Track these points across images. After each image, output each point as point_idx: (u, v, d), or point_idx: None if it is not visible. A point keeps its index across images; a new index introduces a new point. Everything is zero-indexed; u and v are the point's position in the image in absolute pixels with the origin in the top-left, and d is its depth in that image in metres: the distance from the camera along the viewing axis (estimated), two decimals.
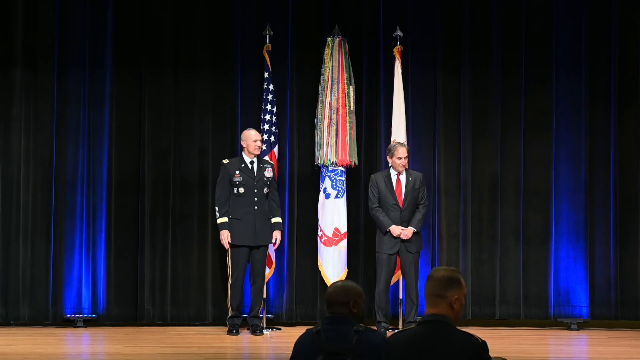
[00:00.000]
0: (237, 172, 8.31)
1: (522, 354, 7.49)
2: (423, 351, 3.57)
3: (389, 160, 8.33)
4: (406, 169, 8.39)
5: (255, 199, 8.31)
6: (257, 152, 8.35)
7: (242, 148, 8.42)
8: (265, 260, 8.42)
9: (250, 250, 8.30)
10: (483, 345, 3.55)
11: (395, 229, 8.17)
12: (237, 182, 8.29)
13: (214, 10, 8.98)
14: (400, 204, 8.28)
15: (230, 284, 8.33)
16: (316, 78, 8.85)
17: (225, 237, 8.26)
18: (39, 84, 8.73)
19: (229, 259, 8.35)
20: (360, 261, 8.96)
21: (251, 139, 8.33)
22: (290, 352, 3.96)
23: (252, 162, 8.36)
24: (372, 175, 8.47)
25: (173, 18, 8.94)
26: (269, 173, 8.39)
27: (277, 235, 8.40)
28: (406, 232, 8.19)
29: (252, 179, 8.31)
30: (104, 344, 8.10)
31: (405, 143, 8.55)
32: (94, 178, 8.75)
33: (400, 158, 8.26)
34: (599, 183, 9.09)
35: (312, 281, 8.94)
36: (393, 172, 8.35)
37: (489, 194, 9.08)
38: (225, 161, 8.40)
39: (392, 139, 8.65)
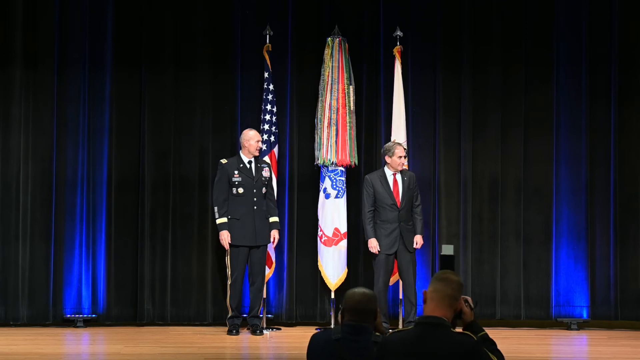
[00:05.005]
0: (236, 172, 8.31)
1: (522, 354, 7.49)
2: (420, 352, 3.57)
3: (388, 159, 8.33)
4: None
5: (255, 199, 8.31)
6: (258, 153, 8.36)
7: (240, 148, 8.42)
8: (264, 260, 8.43)
9: (250, 250, 8.31)
10: (477, 342, 3.57)
11: (372, 242, 8.27)
12: (237, 182, 8.29)
13: (214, 10, 8.98)
14: (399, 204, 8.29)
15: (230, 285, 8.33)
16: (316, 78, 8.85)
17: (225, 237, 8.26)
18: (39, 84, 8.74)
19: (228, 260, 8.35)
20: (360, 261, 8.95)
21: (253, 139, 8.33)
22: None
23: (250, 162, 8.36)
24: (366, 176, 8.46)
25: (173, 18, 8.94)
26: (266, 173, 8.40)
27: (275, 234, 8.41)
28: (418, 241, 8.36)
29: (251, 179, 8.31)
30: (104, 344, 8.10)
31: (404, 143, 8.58)
32: (94, 178, 8.76)
33: (400, 157, 8.28)
34: (599, 183, 9.09)
35: (312, 281, 8.94)
36: (389, 172, 8.35)
37: (489, 194, 9.08)
38: (224, 161, 8.39)
39: (393, 138, 8.65)
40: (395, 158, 8.29)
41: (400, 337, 3.69)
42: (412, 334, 3.64)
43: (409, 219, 8.35)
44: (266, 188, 8.39)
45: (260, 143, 8.39)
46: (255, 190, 8.32)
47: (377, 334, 3.87)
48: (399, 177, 8.36)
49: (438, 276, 3.73)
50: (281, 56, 8.96)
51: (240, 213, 8.28)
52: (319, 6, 9.11)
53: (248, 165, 8.35)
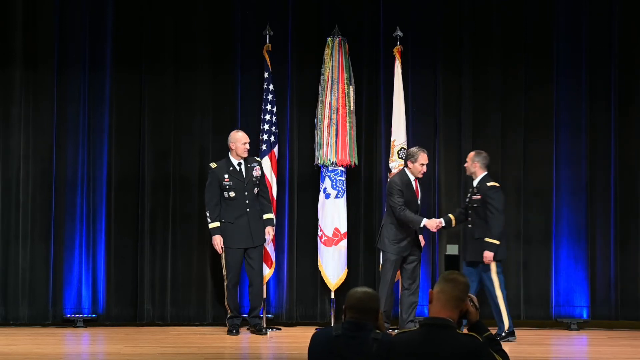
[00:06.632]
0: (226, 176, 8.28)
1: (522, 354, 7.48)
2: (423, 353, 3.57)
3: (410, 164, 8.18)
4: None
5: (247, 201, 8.29)
6: (246, 154, 8.33)
7: (229, 150, 8.39)
8: (262, 260, 8.40)
9: (246, 251, 8.29)
10: (482, 344, 3.57)
11: (434, 221, 8.14)
12: (227, 187, 8.26)
13: (214, 10, 8.98)
14: (419, 210, 8.25)
15: (226, 286, 8.33)
16: (316, 78, 8.85)
17: (217, 242, 8.25)
18: (38, 84, 8.74)
19: (223, 262, 8.35)
20: (360, 261, 8.95)
21: (240, 141, 8.30)
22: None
23: (239, 164, 8.34)
24: (396, 179, 8.20)
25: (173, 18, 8.94)
26: (257, 172, 8.37)
27: (269, 230, 8.39)
28: (422, 241, 8.39)
29: (241, 181, 8.29)
30: (104, 344, 8.10)
31: (404, 143, 8.57)
32: (94, 178, 8.76)
33: (423, 164, 8.15)
34: (599, 183, 9.09)
35: (312, 281, 8.94)
36: (411, 177, 8.24)
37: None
38: (213, 165, 8.36)
39: (392, 138, 8.66)
40: (417, 165, 8.13)
41: (405, 338, 3.69)
42: (417, 335, 3.64)
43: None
44: (258, 187, 8.37)
45: (247, 145, 8.35)
46: (247, 193, 8.29)
47: (377, 331, 3.86)
48: (417, 183, 8.27)
49: (445, 277, 3.72)
50: (281, 56, 8.95)
51: (234, 216, 8.25)
52: (319, 6, 9.11)
53: (238, 168, 8.33)
